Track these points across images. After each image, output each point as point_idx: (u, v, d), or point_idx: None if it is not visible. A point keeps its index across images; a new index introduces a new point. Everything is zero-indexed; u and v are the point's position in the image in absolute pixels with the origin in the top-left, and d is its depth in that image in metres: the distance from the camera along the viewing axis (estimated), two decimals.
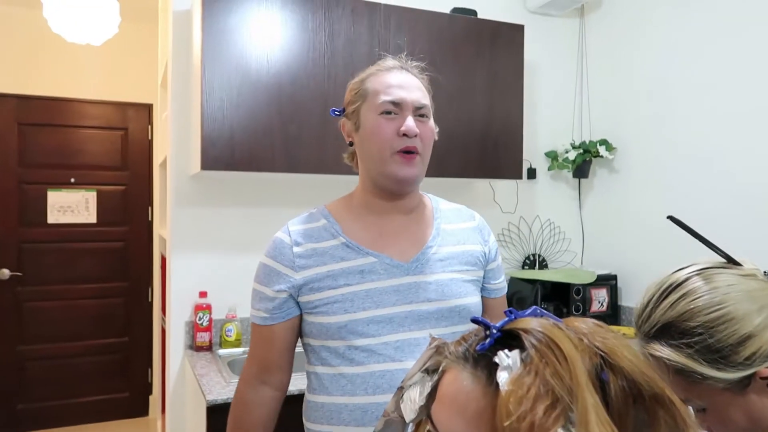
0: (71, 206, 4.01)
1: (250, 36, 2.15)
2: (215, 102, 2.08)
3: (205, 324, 2.33)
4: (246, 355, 2.29)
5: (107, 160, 4.10)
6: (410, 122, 1.14)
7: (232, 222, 2.46)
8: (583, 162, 2.96)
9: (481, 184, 2.93)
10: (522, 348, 0.58)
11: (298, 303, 1.20)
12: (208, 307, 2.34)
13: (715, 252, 0.83)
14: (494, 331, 0.61)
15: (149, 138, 4.20)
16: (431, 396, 0.67)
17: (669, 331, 0.77)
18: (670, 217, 0.89)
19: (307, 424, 1.24)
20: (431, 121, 1.20)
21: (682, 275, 0.80)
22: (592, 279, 2.74)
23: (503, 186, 2.97)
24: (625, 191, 2.87)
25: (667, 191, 2.64)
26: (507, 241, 3.01)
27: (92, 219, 4.06)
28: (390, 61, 1.21)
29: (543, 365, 0.56)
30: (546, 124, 3.08)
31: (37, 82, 3.92)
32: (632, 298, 2.82)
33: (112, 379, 4.12)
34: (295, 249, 1.18)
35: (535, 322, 0.60)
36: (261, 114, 2.15)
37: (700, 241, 0.84)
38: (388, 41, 2.37)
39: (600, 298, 2.78)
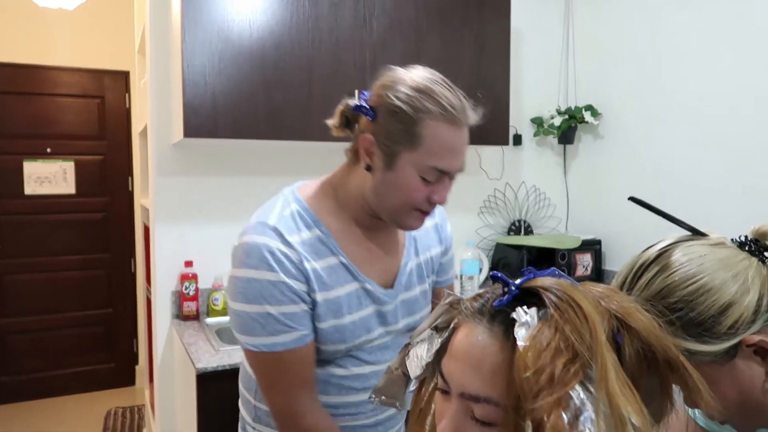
0: (48, 177, 3.92)
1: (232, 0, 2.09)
2: (196, 68, 2.03)
3: (191, 293, 2.31)
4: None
5: (84, 129, 4.00)
6: (444, 193, 1.04)
7: (216, 190, 2.43)
8: (568, 128, 2.95)
9: (468, 151, 2.91)
10: (540, 306, 0.58)
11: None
12: (194, 277, 2.33)
13: (681, 226, 0.82)
14: (513, 288, 0.61)
15: (127, 106, 4.10)
16: (440, 353, 0.66)
17: (648, 310, 0.75)
18: (632, 198, 0.87)
19: (255, 402, 1.19)
20: None
21: (652, 252, 0.77)
22: (577, 244, 2.77)
23: (489, 152, 2.96)
24: (610, 157, 2.88)
25: (652, 156, 2.65)
26: (493, 208, 3.02)
27: (71, 190, 3.98)
28: (456, 105, 1.00)
29: (563, 322, 0.55)
30: (532, 90, 3.06)
31: (8, 48, 3.78)
32: (616, 263, 2.86)
33: (97, 350, 4.10)
34: (306, 265, 1.03)
35: (553, 281, 0.60)
36: (244, 80, 2.10)
37: (663, 217, 0.82)
38: (374, 5, 2.32)
39: (585, 262, 2.82)
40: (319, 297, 1.04)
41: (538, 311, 0.57)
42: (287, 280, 1.00)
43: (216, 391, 1.85)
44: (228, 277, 1.06)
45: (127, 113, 4.10)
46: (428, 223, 1.22)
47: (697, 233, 0.79)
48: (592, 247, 2.85)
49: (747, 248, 0.76)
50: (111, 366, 4.16)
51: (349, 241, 1.09)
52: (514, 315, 0.58)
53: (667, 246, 0.77)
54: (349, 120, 1.08)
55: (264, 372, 1.06)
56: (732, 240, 0.78)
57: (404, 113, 0.98)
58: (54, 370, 3.99)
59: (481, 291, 0.67)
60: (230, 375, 1.84)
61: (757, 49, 2.22)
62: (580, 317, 0.56)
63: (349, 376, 1.12)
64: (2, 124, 3.79)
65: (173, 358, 2.40)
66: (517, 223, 3.06)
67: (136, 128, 3.97)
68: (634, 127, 2.74)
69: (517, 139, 3.03)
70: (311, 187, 1.13)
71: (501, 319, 0.59)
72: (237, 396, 1.79)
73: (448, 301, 0.69)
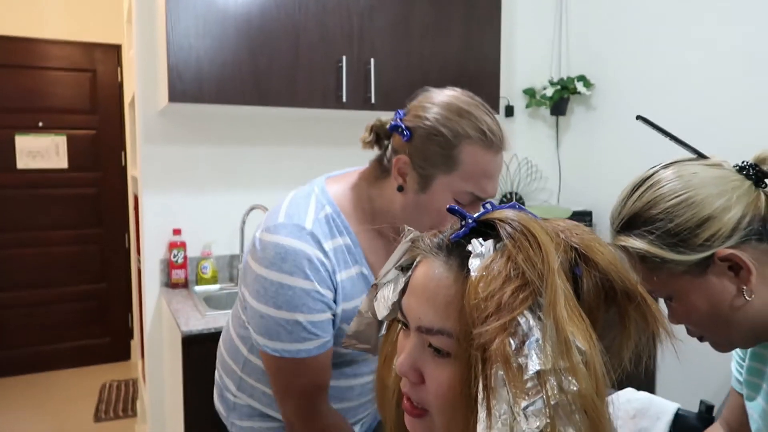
0: (41, 151, 3.91)
1: None
2: (180, 30, 2.01)
3: (179, 261, 2.31)
4: (222, 291, 2.31)
5: (76, 103, 3.98)
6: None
7: (204, 158, 2.42)
8: (560, 99, 2.93)
9: None
10: (497, 238, 0.57)
11: None
12: (183, 245, 2.32)
13: (685, 148, 0.85)
14: (470, 221, 0.60)
15: (119, 80, 4.08)
16: (404, 292, 0.66)
17: (635, 221, 0.79)
18: (639, 117, 0.90)
19: (241, 374, 1.19)
20: None
21: (651, 170, 0.82)
22: (567, 215, 2.76)
23: None
24: (602, 128, 2.86)
25: (645, 128, 2.63)
26: None
27: (63, 164, 3.96)
28: (495, 131, 0.99)
29: (516, 251, 0.55)
30: (524, 61, 3.04)
31: None
32: (607, 234, 2.85)
33: (92, 325, 4.12)
34: (338, 277, 1.03)
35: (512, 213, 0.59)
36: (229, 45, 2.08)
37: (669, 138, 0.86)
38: None
39: None
40: (340, 308, 1.04)
41: (495, 243, 0.57)
42: (320, 289, 0.99)
43: (202, 355, 1.86)
44: (250, 271, 1.01)
45: (119, 87, 4.07)
46: None
47: (700, 156, 0.83)
48: (583, 218, 2.85)
49: (744, 172, 0.79)
50: (106, 340, 4.18)
51: (373, 251, 1.08)
52: (469, 247, 0.57)
53: (667, 164, 0.82)
54: (379, 136, 1.06)
55: (283, 376, 1.05)
56: (735, 166, 0.81)
57: (443, 136, 0.96)
58: (49, 344, 4.01)
59: (441, 227, 0.66)
60: (215, 338, 1.84)
61: (751, 17, 2.19)
62: (533, 246, 0.55)
63: (365, 384, 1.16)
64: None
65: (162, 325, 2.41)
66: (508, 195, 3.05)
67: (127, 101, 3.94)
68: (627, 97, 2.72)
69: (509, 111, 3.02)
70: (341, 187, 1.09)
71: (458, 252, 0.59)
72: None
73: (409, 238, 0.68)
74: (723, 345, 0.82)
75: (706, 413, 1.18)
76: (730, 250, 0.73)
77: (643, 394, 1.26)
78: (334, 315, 1.03)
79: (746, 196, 0.75)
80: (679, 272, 0.76)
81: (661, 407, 1.21)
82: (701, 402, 1.19)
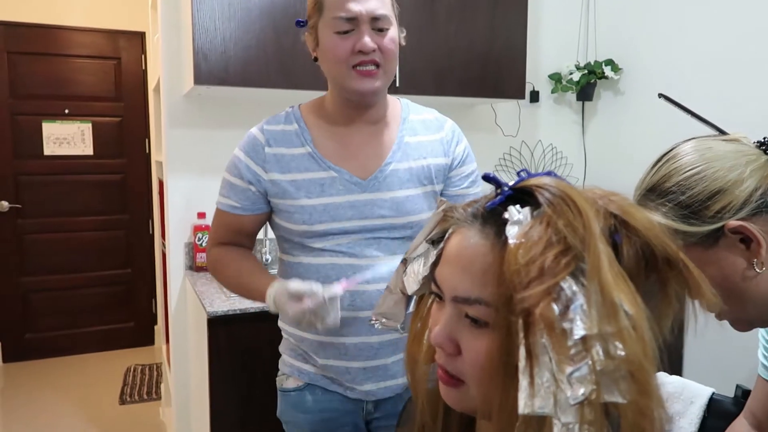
0: (67, 138, 3.96)
1: None
2: (206, 12, 2.00)
3: (204, 244, 2.33)
4: None
5: (101, 90, 4.02)
6: (366, 39, 1.13)
7: (228, 142, 2.39)
8: (587, 84, 2.88)
9: (483, 107, 2.86)
10: (534, 206, 0.56)
11: (269, 201, 1.25)
12: (207, 228, 2.33)
13: (705, 125, 0.87)
14: (506, 188, 0.59)
15: (143, 68, 4.10)
16: (435, 265, 0.65)
17: (650, 194, 0.80)
18: (661, 95, 0.91)
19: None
20: (393, 30, 1.18)
21: (671, 146, 0.84)
22: None
23: (505, 109, 2.91)
24: (630, 113, 2.80)
25: (673, 113, 2.57)
26: (508, 166, 2.97)
27: (89, 151, 4.02)
28: None
29: (556, 217, 0.54)
30: (550, 45, 2.99)
31: (24, 8, 3.78)
32: None
33: (117, 310, 4.18)
34: (267, 150, 1.23)
35: (549, 180, 0.58)
36: (254, 27, 2.07)
37: (691, 116, 0.88)
38: None
39: None
40: (274, 176, 1.21)
41: (532, 210, 0.56)
42: (244, 158, 1.24)
43: (227, 336, 1.87)
44: None
45: (144, 74, 4.11)
46: (431, 136, 1.30)
47: (720, 132, 0.85)
48: None
49: (763, 147, 0.79)
50: (130, 325, 4.24)
51: (326, 137, 1.24)
52: (506, 214, 0.56)
53: (687, 140, 0.83)
54: None
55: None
56: (755, 142, 0.81)
57: None
58: (75, 328, 4.08)
59: (476, 198, 0.65)
60: (240, 320, 1.86)
61: None
62: (573, 211, 0.54)
63: (325, 264, 1.22)
64: (21, 84, 3.82)
65: (186, 308, 2.42)
66: None
67: (152, 87, 3.97)
68: (656, 82, 2.66)
69: (534, 96, 2.97)
70: (315, 98, 1.31)
71: (493, 220, 0.58)
72: (247, 340, 1.81)
73: (441, 209, 0.67)
74: (741, 322, 0.82)
75: (743, 398, 1.15)
76: (740, 222, 0.74)
77: (676, 378, 1.23)
78: (258, 189, 1.23)
79: (761, 170, 0.76)
80: (690, 244, 0.76)
81: (695, 391, 1.18)
82: (737, 386, 1.16)
